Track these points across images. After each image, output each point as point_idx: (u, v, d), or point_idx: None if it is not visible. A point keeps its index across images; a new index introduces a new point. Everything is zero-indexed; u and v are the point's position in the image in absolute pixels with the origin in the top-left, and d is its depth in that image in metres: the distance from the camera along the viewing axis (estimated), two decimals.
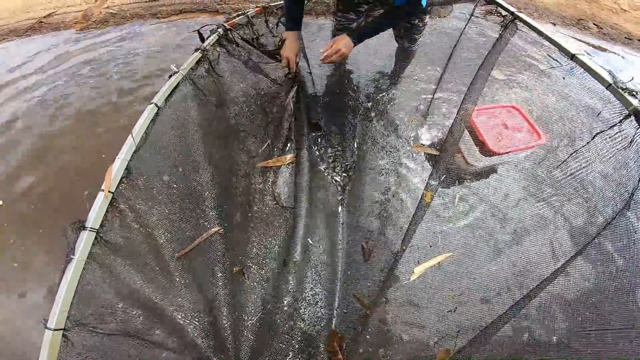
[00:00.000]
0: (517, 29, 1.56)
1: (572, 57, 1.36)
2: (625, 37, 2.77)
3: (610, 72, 1.30)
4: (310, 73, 1.75)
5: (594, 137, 1.47)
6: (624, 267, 1.18)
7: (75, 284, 0.77)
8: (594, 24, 2.92)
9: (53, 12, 3.17)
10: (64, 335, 0.77)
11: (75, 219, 0.81)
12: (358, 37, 1.49)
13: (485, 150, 1.60)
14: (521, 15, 1.49)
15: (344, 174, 1.68)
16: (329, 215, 1.48)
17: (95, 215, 0.83)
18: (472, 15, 1.73)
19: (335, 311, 1.23)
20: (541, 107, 1.88)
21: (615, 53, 2.64)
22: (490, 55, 1.62)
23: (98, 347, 0.85)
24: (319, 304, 1.23)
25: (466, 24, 1.83)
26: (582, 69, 1.34)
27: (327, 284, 1.27)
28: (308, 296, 1.23)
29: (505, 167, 1.70)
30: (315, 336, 1.14)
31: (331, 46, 1.48)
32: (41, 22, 3.06)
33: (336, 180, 1.64)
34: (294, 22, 1.57)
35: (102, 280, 0.84)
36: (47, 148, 1.98)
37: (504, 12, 1.61)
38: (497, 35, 1.64)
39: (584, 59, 1.34)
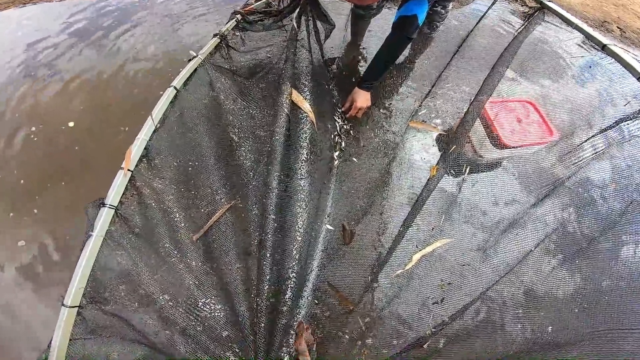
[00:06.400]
0: (543, 19, 1.50)
1: (604, 47, 1.31)
2: None
3: None
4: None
5: (617, 123, 1.41)
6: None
7: (93, 261, 0.76)
8: (618, 27, 2.83)
9: None
10: (78, 313, 0.76)
11: None
12: (368, 85, 1.54)
13: (497, 143, 1.59)
14: (550, 4, 1.43)
15: (342, 136, 1.67)
16: (318, 181, 1.38)
17: (114, 193, 0.81)
18: (494, 2, 1.67)
19: (305, 299, 1.13)
20: (558, 101, 1.82)
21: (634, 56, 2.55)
22: (511, 46, 1.57)
23: (110, 326, 0.83)
24: (287, 288, 1.10)
25: (486, 11, 1.78)
26: (612, 60, 1.30)
27: (297, 265, 1.15)
28: (273, 278, 1.07)
29: (516, 161, 1.67)
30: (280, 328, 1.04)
31: (350, 105, 1.56)
32: None
33: (334, 140, 1.61)
34: None
35: (118, 259, 0.82)
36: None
37: (529, 2, 1.55)
38: (520, 25, 1.59)
39: (616, 49, 1.29)
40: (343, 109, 1.59)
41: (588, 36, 1.36)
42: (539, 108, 1.67)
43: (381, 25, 2.18)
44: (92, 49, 2.26)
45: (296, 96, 1.34)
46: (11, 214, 1.48)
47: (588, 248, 1.25)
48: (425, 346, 1.05)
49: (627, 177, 1.36)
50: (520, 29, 1.58)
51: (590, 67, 1.58)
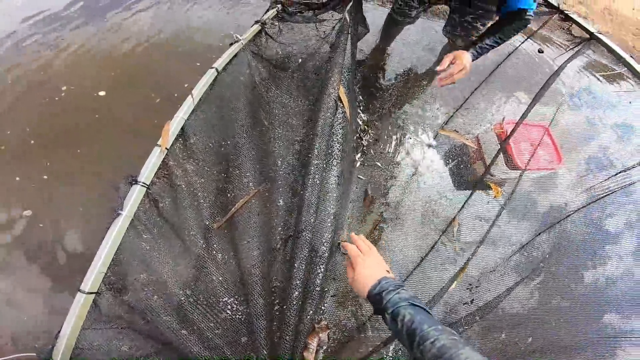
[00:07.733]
0: (590, 49, 1.48)
1: None
2: None
3: None
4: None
5: None
6: None
7: (118, 244, 0.68)
8: (631, 57, 2.92)
9: None
10: (94, 300, 0.68)
11: None
12: (475, 53, 1.36)
13: (510, 163, 1.62)
14: (600, 36, 1.41)
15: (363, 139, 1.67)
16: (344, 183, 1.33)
17: (148, 170, 0.74)
18: (539, 28, 1.65)
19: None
20: (572, 130, 1.82)
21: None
22: (555, 74, 1.55)
23: (124, 317, 0.76)
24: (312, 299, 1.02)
25: (527, 38, 1.78)
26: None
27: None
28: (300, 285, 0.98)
29: (536, 183, 1.66)
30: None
31: (451, 63, 1.31)
32: None
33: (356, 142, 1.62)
34: None
35: (143, 243, 0.75)
36: None
37: (577, 33, 1.54)
38: (564, 53, 1.58)
39: None
40: (439, 68, 1.32)
41: (634, 72, 1.36)
42: (552, 134, 1.70)
43: (410, 34, 2.20)
44: (132, 22, 2.14)
45: (341, 88, 1.29)
46: (17, 178, 1.34)
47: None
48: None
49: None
50: (568, 58, 1.56)
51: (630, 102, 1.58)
